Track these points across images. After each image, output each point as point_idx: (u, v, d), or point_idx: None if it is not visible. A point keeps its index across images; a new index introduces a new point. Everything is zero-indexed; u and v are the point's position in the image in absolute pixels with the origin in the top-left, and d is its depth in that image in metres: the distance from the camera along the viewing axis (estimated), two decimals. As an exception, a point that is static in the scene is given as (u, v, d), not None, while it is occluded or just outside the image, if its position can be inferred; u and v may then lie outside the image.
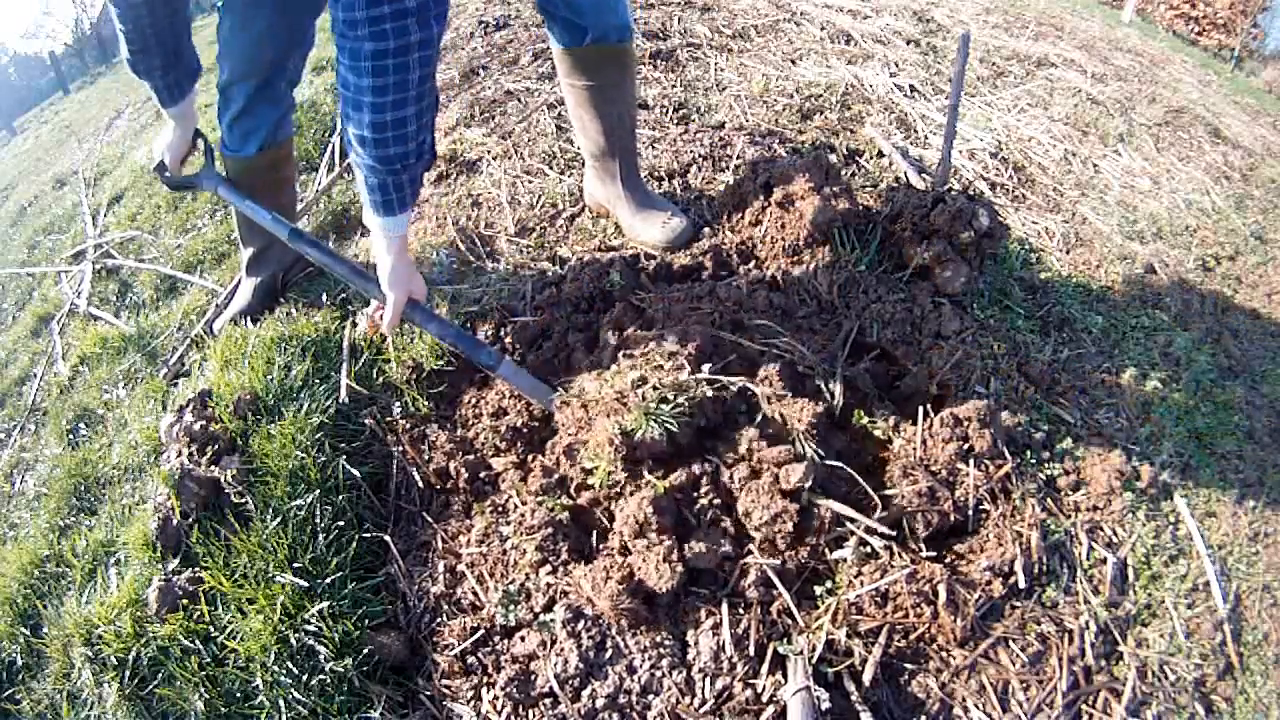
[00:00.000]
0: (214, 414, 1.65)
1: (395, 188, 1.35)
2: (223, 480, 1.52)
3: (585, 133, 1.97)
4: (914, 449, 1.47)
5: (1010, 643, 1.26)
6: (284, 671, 1.28)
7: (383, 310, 1.50)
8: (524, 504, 1.43)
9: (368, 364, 1.80)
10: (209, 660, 1.36)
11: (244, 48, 1.78)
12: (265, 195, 2.04)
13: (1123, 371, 1.79)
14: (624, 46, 1.82)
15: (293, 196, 2.19)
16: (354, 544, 1.44)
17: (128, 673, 1.39)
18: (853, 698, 1.18)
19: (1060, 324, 1.88)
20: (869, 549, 1.31)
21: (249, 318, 2.06)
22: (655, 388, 1.34)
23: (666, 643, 1.20)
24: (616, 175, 1.98)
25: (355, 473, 1.55)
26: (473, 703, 1.22)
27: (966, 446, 1.46)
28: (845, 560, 1.31)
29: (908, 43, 3.35)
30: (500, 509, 1.46)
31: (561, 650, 1.20)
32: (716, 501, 1.32)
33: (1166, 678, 1.30)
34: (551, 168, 2.37)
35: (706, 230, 2.01)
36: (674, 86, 2.74)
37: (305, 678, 1.28)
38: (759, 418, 1.40)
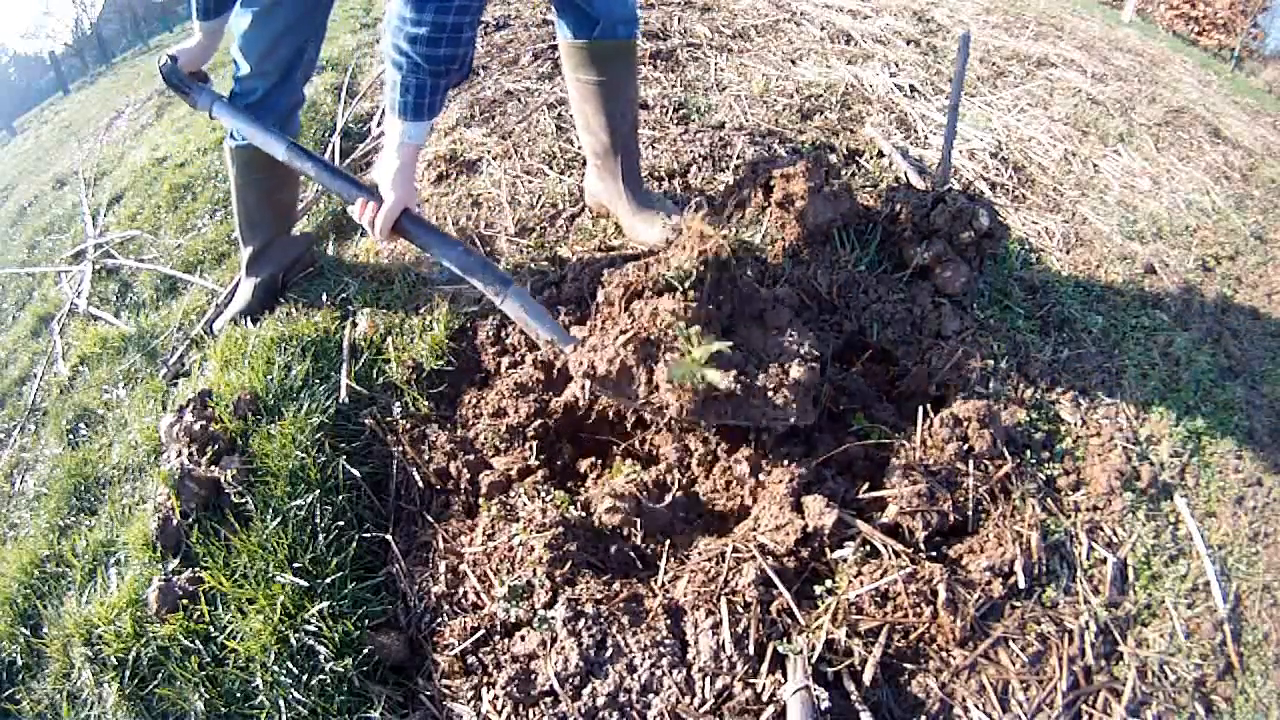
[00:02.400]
0: (214, 414, 1.65)
1: (431, 90, 1.40)
2: (223, 480, 1.52)
3: (589, 129, 1.97)
4: (914, 449, 1.47)
5: (1010, 643, 1.26)
6: (284, 671, 1.28)
7: (377, 211, 1.51)
8: (532, 501, 1.43)
9: (368, 364, 1.80)
10: (209, 660, 1.36)
11: (266, 45, 1.80)
12: (268, 190, 2.05)
13: (1123, 371, 1.79)
14: (631, 41, 1.84)
15: (294, 195, 2.19)
16: (354, 544, 1.44)
17: (128, 673, 1.39)
18: (853, 697, 1.18)
19: (1060, 324, 1.88)
20: (869, 548, 1.31)
21: (249, 318, 2.06)
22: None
23: (666, 642, 1.20)
24: (618, 174, 1.99)
25: (355, 473, 1.55)
26: (473, 702, 1.22)
27: (966, 447, 1.46)
28: (845, 560, 1.31)
29: (908, 43, 3.35)
30: (508, 507, 1.46)
31: (562, 649, 1.20)
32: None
33: (1166, 678, 1.30)
34: (551, 168, 2.37)
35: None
36: (674, 86, 2.74)
37: (305, 678, 1.28)
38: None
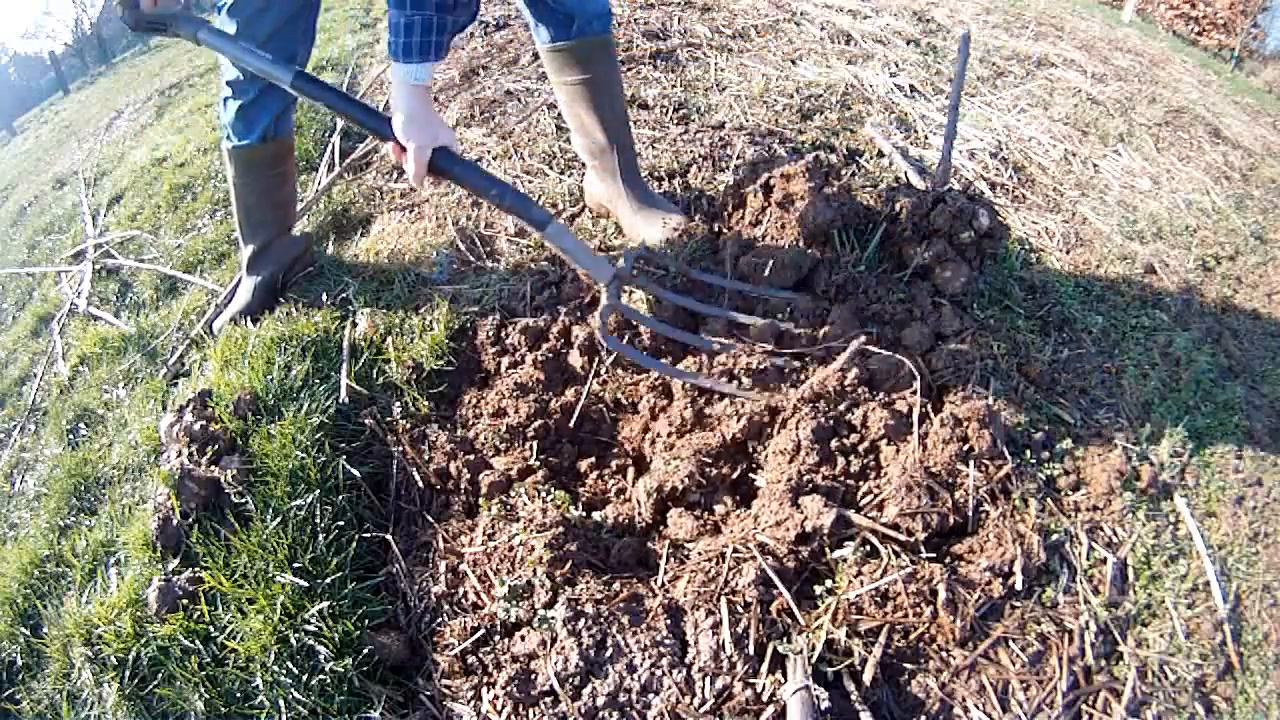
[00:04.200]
0: (214, 414, 1.65)
1: (423, 29, 1.33)
2: (223, 480, 1.52)
3: (583, 129, 1.98)
4: (914, 449, 1.46)
5: (1010, 643, 1.26)
6: (284, 671, 1.28)
7: (404, 157, 1.43)
8: (532, 501, 1.43)
9: (368, 364, 1.80)
10: (209, 660, 1.36)
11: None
12: (266, 189, 2.05)
13: (1123, 371, 1.79)
14: (607, 36, 1.85)
15: (292, 193, 2.19)
16: (354, 544, 1.44)
17: (128, 673, 1.39)
18: (852, 697, 1.18)
19: (1060, 324, 1.88)
20: (869, 548, 1.31)
21: (249, 317, 2.06)
22: None
23: (666, 642, 1.20)
24: (616, 172, 1.99)
25: (355, 473, 1.55)
26: (473, 702, 1.22)
27: (966, 447, 1.46)
28: (845, 560, 1.31)
29: (908, 43, 3.35)
30: (508, 507, 1.46)
31: (562, 649, 1.20)
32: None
33: (1166, 678, 1.30)
34: (551, 168, 2.37)
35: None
36: (674, 86, 2.74)
37: (305, 678, 1.28)
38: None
